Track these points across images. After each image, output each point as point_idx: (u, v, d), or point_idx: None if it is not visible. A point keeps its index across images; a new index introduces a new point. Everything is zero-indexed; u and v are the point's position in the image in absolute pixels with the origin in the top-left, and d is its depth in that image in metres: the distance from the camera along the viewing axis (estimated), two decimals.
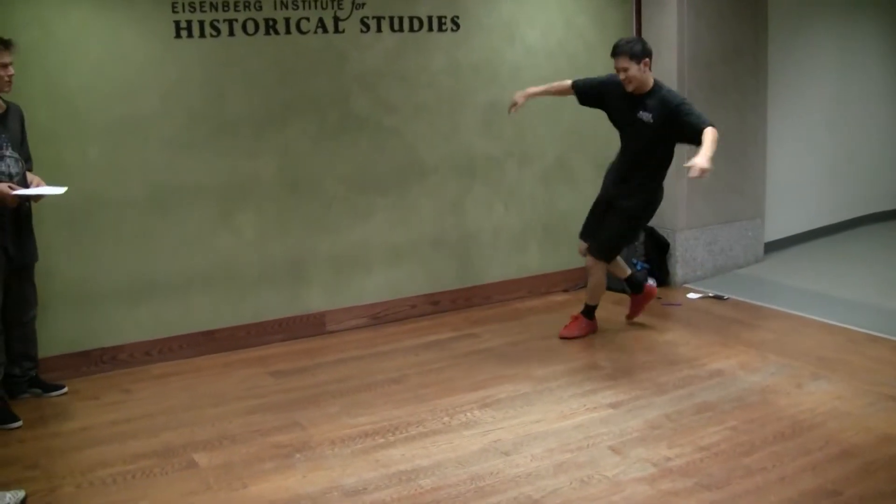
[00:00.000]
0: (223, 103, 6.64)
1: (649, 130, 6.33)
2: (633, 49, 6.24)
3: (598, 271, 6.78)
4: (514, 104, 6.80)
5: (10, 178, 5.31)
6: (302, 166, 6.99)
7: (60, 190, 5.49)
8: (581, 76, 7.38)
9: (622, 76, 6.33)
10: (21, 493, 4.42)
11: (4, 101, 5.49)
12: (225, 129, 6.66)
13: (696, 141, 6.01)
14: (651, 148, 6.42)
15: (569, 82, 6.85)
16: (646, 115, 6.34)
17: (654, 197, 6.65)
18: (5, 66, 5.29)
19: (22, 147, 5.55)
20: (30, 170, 5.61)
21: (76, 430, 5.42)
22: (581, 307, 7.06)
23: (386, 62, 7.25)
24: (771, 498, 4.28)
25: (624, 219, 6.63)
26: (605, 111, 6.76)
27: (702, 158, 5.75)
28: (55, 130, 6.02)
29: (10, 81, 5.35)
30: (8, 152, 5.37)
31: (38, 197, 5.52)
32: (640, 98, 6.39)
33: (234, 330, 6.88)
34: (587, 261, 6.82)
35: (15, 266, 5.52)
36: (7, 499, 4.33)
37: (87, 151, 6.20)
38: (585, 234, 6.92)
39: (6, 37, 5.32)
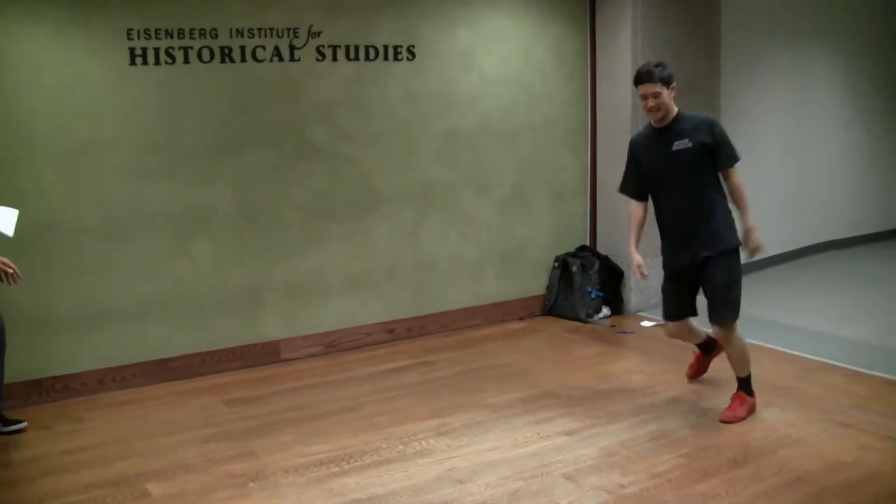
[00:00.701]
0: (179, 130, 6.62)
1: (692, 156, 5.59)
2: (663, 73, 5.53)
3: (734, 337, 5.66)
4: (640, 268, 5.84)
5: None
6: (258, 194, 6.98)
7: (10, 224, 5.43)
8: (538, 106, 7.40)
9: (651, 103, 5.54)
10: None
11: None
12: (181, 156, 6.65)
13: (720, 165, 5.61)
14: (699, 175, 5.64)
15: (634, 203, 6.00)
16: (683, 143, 5.59)
17: (732, 224, 5.72)
18: None
19: None
20: None
21: (27, 460, 5.35)
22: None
23: (342, 91, 7.26)
24: None
25: (726, 264, 5.64)
26: (642, 174, 5.89)
27: (750, 236, 5.56)
28: (9, 154, 5.97)
29: None
30: None
31: None
32: (670, 128, 5.65)
33: (189, 358, 6.84)
34: (717, 334, 5.78)
35: None
36: None
37: (43, 176, 6.16)
38: (676, 313, 5.98)
39: None
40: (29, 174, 6.10)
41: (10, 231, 5.41)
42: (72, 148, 6.26)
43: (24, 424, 5.89)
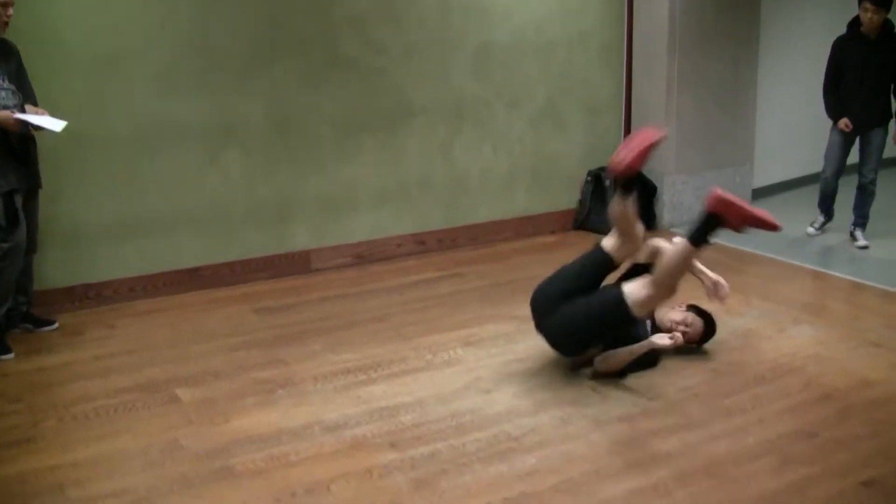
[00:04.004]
0: (210, 41, 6.58)
1: None
2: None
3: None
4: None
5: (5, 109, 5.35)
6: (289, 106, 6.95)
7: (59, 124, 5.49)
8: (573, 19, 7.29)
9: None
10: None
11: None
12: (212, 67, 6.61)
13: None
14: None
15: None
16: None
17: None
18: (6, 6, 5.32)
19: (22, 83, 5.60)
20: (34, 104, 5.64)
21: (60, 365, 5.44)
22: None
23: (375, 3, 7.18)
24: (749, 439, 4.32)
25: None
26: None
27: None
28: (41, 65, 5.92)
29: (6, 23, 5.39)
30: (4, 84, 5.43)
31: (38, 126, 5.49)
32: None
33: (219, 267, 6.88)
34: None
35: (19, 192, 5.54)
36: None
37: (73, 87, 6.15)
38: None
39: None
40: (60, 84, 6.08)
41: (60, 123, 5.50)
42: (102, 58, 6.23)
43: (56, 325, 6.03)
